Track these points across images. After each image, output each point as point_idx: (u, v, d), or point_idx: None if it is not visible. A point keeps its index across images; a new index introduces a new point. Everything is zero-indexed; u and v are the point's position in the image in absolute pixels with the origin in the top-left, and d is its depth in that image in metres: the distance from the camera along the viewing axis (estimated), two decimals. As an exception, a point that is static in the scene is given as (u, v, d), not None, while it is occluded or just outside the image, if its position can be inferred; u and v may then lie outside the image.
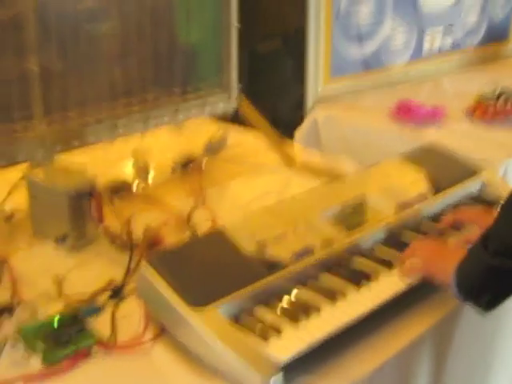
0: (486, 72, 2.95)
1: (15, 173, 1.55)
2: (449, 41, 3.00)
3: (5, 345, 1.07)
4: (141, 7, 1.67)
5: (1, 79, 1.48)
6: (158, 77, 1.74)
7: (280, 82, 3.44)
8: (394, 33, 2.71)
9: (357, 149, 2.16)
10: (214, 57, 1.88)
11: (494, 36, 3.25)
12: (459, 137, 2.14)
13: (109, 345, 1.09)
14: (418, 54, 2.85)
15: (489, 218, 1.18)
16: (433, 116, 2.28)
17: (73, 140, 1.59)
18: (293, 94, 2.81)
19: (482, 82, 2.54)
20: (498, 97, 2.37)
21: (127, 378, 1.04)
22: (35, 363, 1.05)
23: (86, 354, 1.07)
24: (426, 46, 2.89)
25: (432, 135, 2.06)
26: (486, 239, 1.07)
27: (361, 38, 2.56)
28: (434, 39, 2.91)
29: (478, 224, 1.31)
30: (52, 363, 1.04)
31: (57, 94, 1.57)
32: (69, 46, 1.58)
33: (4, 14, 1.45)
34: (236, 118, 2.01)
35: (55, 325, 1.11)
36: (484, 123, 2.28)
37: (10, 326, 1.11)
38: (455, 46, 3.04)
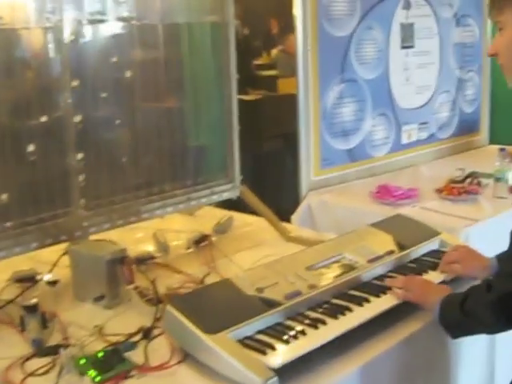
0: (458, 160, 3.39)
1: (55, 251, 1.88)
2: (424, 134, 3.40)
3: (62, 371, 1.39)
4: (158, 117, 2.06)
5: (47, 174, 1.84)
6: (174, 171, 2.11)
7: (279, 176, 3.83)
8: (375, 129, 3.11)
9: (346, 227, 2.42)
10: (219, 154, 2.26)
11: (466, 128, 3.66)
12: (429, 212, 2.52)
13: (143, 368, 1.40)
14: (397, 146, 3.24)
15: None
16: (408, 196, 2.66)
17: (105, 223, 1.94)
18: (289, 185, 3.17)
19: (453, 168, 2.96)
20: (466, 178, 2.78)
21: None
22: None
23: (126, 376, 1.38)
24: (404, 139, 3.28)
25: (407, 211, 2.39)
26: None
27: (345, 134, 2.95)
28: (411, 134, 3.31)
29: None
30: (100, 383, 1.36)
31: (92, 186, 1.93)
32: (101, 145, 1.94)
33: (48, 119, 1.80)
34: (239, 206, 2.36)
35: (100, 356, 1.43)
36: (450, 201, 2.67)
37: (63, 358, 1.42)
38: (430, 139, 3.44)
